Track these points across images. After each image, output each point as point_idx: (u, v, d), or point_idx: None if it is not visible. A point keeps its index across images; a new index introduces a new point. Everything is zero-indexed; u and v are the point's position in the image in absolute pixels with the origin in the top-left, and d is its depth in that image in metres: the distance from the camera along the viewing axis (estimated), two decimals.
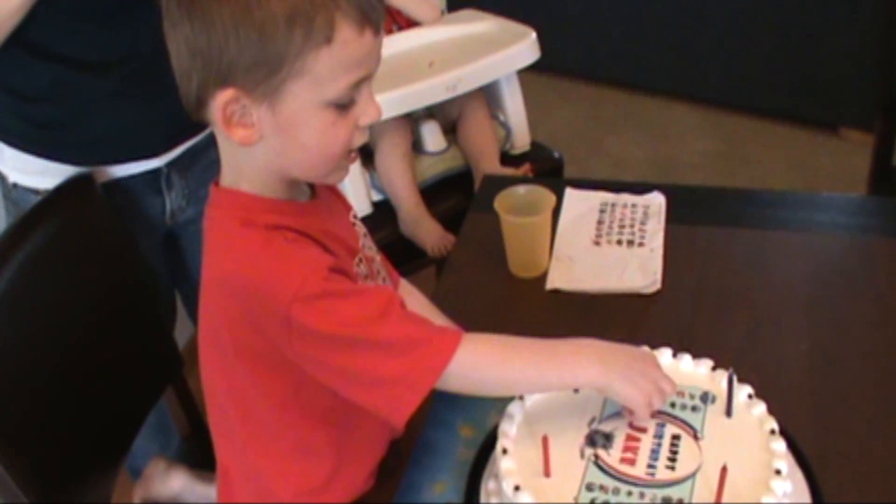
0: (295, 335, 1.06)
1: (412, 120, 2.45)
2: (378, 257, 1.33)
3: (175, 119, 1.20)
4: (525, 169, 2.47)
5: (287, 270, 1.06)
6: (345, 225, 1.27)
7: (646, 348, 1.24)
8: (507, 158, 2.55)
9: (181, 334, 1.96)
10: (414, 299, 1.45)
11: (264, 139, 1.07)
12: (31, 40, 1.52)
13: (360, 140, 1.11)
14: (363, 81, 1.07)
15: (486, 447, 1.26)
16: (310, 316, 1.05)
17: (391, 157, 2.39)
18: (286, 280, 1.05)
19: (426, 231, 2.36)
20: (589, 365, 1.14)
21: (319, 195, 1.22)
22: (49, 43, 1.54)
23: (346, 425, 1.21)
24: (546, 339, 1.17)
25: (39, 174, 1.65)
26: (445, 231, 2.35)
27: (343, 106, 1.06)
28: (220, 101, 1.04)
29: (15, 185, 1.69)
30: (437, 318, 1.43)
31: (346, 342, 1.07)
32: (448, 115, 2.51)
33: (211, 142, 1.19)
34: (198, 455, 1.77)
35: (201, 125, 1.14)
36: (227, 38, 1.00)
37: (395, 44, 2.47)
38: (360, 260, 1.23)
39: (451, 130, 2.53)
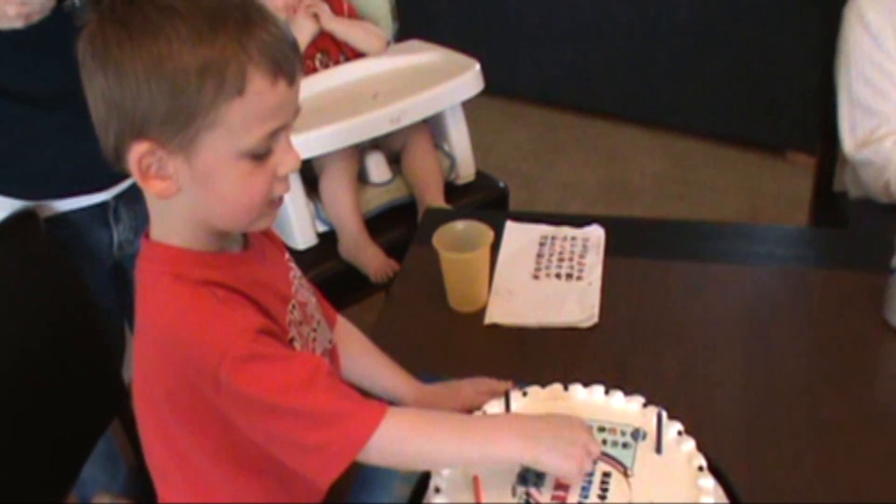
0: (224, 394, 1.06)
1: (358, 150, 2.45)
2: (313, 300, 1.33)
3: None
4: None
5: (215, 330, 1.06)
6: (278, 272, 1.27)
7: (572, 416, 1.21)
8: (451, 189, 2.56)
9: (130, 365, 1.95)
10: (353, 339, 1.46)
11: (183, 191, 1.07)
12: None
13: (280, 190, 1.11)
14: (280, 131, 1.07)
15: (422, 485, 1.26)
16: (238, 378, 1.05)
17: (336, 181, 2.40)
18: (215, 340, 1.05)
19: (369, 256, 2.37)
20: (510, 440, 1.14)
21: (252, 243, 1.21)
22: None
23: (282, 475, 1.20)
24: (472, 416, 1.23)
25: None
26: (388, 258, 2.36)
27: (259, 156, 1.06)
28: (136, 154, 1.04)
29: None
30: (377, 358, 1.45)
31: (272, 408, 1.07)
32: (393, 146, 2.52)
33: None
34: (145, 486, 1.77)
35: None
36: (139, 90, 1.00)
37: (341, 75, 2.48)
38: (294, 306, 1.23)
39: (396, 161, 2.54)
